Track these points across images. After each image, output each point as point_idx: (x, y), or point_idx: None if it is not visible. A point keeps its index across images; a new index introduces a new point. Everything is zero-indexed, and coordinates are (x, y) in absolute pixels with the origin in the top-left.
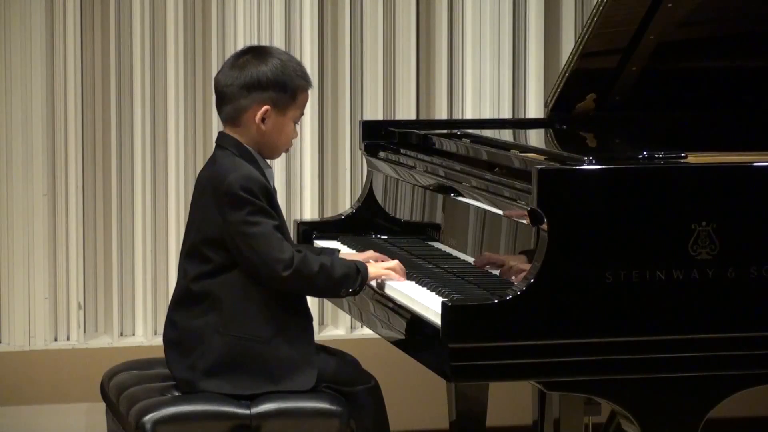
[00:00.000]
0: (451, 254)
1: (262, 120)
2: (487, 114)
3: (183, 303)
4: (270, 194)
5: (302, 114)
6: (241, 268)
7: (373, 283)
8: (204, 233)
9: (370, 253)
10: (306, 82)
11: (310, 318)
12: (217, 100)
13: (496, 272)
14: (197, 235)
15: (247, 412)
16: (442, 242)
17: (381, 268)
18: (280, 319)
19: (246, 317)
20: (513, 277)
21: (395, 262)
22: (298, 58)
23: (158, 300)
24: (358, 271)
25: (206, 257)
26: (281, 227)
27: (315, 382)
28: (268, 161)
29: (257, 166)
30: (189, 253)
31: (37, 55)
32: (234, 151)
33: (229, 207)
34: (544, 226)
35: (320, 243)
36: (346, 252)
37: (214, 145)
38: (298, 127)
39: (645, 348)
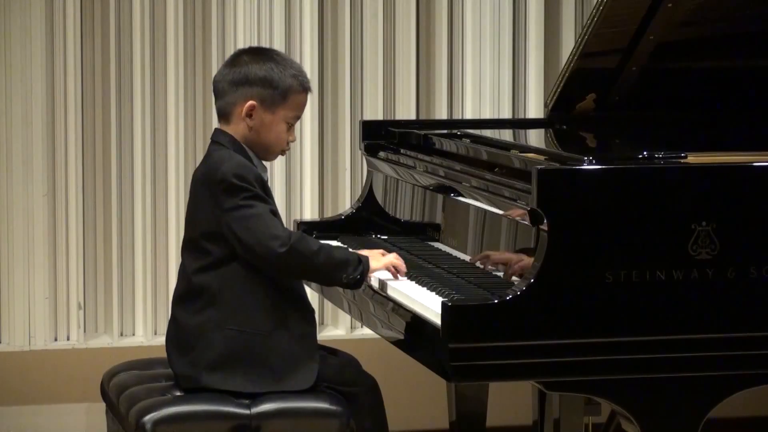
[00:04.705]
0: (451, 254)
1: (249, 116)
2: (487, 114)
3: (183, 299)
4: (264, 184)
5: (297, 117)
6: (240, 258)
7: (375, 282)
8: (202, 226)
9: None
10: (299, 84)
11: (311, 312)
12: (214, 96)
13: (494, 269)
14: (195, 229)
15: (247, 412)
16: (442, 242)
17: (382, 264)
18: (281, 313)
19: (246, 311)
20: (513, 277)
21: (394, 255)
22: (298, 58)
23: (158, 300)
24: (360, 261)
25: (205, 250)
26: (277, 215)
27: (316, 378)
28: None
29: (250, 162)
30: (188, 247)
31: (37, 55)
32: (228, 146)
33: (224, 195)
34: (544, 226)
35: None
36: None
37: None
38: (297, 131)
39: (645, 348)
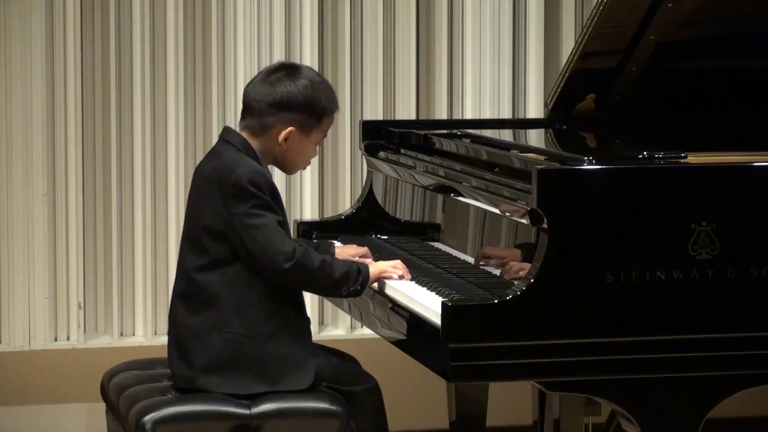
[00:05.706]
0: (451, 254)
1: (285, 139)
2: (487, 114)
3: (183, 296)
4: (276, 192)
5: (325, 136)
6: (241, 262)
7: (375, 283)
8: (204, 223)
9: (364, 249)
10: (334, 106)
11: (307, 317)
12: (243, 110)
13: (495, 271)
14: (196, 224)
15: (247, 412)
16: (442, 242)
17: (380, 267)
18: (279, 317)
19: (245, 314)
20: (513, 277)
21: (397, 262)
22: (298, 58)
23: (158, 300)
24: (359, 271)
25: (205, 248)
26: (284, 225)
27: (313, 381)
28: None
29: (259, 164)
30: (187, 241)
31: (37, 55)
32: (239, 148)
33: (235, 199)
34: (544, 226)
35: None
36: (338, 245)
37: (213, 144)
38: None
39: (645, 348)
